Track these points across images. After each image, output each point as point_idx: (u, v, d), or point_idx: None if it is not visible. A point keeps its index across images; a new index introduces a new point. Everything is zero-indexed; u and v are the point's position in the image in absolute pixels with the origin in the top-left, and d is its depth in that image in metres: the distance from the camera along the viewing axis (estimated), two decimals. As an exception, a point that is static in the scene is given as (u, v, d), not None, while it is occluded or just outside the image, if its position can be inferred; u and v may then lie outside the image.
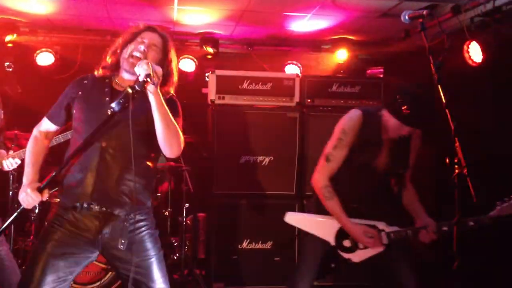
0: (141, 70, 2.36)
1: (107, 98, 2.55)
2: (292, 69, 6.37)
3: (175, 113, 2.57)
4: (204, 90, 5.24)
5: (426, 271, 4.84)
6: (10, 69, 5.90)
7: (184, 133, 5.53)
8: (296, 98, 4.94)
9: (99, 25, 5.78)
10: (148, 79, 2.33)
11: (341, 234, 3.09)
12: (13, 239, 4.69)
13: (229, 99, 4.87)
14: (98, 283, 4.33)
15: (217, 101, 4.85)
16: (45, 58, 5.91)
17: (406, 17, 2.59)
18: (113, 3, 5.01)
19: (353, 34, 5.90)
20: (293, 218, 3.27)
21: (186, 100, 6.25)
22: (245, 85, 4.90)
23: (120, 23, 5.67)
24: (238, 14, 5.26)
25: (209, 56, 6.03)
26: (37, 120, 2.78)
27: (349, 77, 5.24)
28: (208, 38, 5.97)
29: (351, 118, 3.07)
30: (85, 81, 2.68)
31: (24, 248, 4.83)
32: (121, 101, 2.34)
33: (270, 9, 5.09)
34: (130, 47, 2.61)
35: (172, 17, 5.41)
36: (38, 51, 5.87)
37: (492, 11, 4.38)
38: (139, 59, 2.52)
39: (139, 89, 2.34)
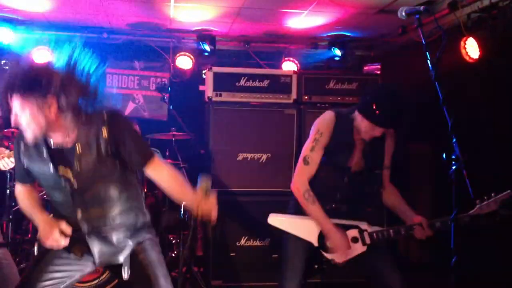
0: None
1: (50, 164, 2.38)
2: (289, 66, 6.37)
3: (131, 135, 2.42)
4: (201, 88, 5.24)
5: (420, 270, 4.86)
6: (7, 67, 5.89)
7: (181, 130, 5.56)
8: (293, 95, 4.94)
9: (95, 22, 5.77)
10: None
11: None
12: (10, 237, 4.69)
13: (226, 96, 4.86)
14: (96, 281, 4.33)
15: (214, 98, 4.84)
16: (41, 56, 5.88)
17: (403, 13, 2.59)
18: (109, 0, 4.99)
19: (350, 30, 5.90)
20: (276, 220, 3.24)
21: (183, 97, 6.29)
22: (242, 82, 4.89)
23: (116, 20, 5.66)
24: (235, 11, 5.25)
25: (206, 53, 6.03)
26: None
27: (346, 74, 5.23)
28: (205, 35, 5.97)
29: (324, 118, 3.11)
30: (23, 147, 2.45)
31: (22, 246, 4.82)
32: None
33: (267, 6, 5.09)
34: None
35: (169, 14, 5.40)
36: (34, 49, 5.85)
37: (488, 7, 4.39)
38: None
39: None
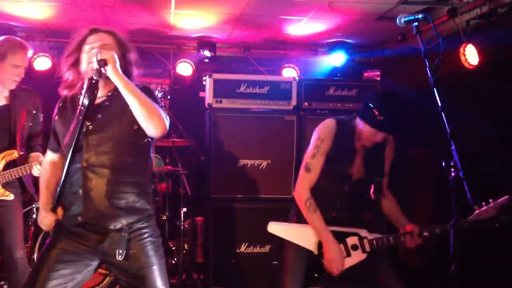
0: (93, 60, 2.42)
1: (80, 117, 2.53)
2: (289, 72, 6.38)
3: (151, 98, 2.57)
4: (201, 94, 5.25)
5: (416, 276, 4.85)
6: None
7: (181, 136, 5.56)
8: (293, 102, 4.95)
9: (96, 30, 5.77)
10: (102, 63, 2.41)
11: None
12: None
13: (226, 103, 4.87)
14: (96, 288, 4.33)
15: (215, 105, 4.85)
16: (42, 63, 5.91)
17: (402, 21, 2.59)
18: (109, 7, 5.01)
19: (349, 37, 5.91)
20: (276, 228, 3.24)
21: (184, 104, 6.29)
22: (242, 89, 4.90)
23: (117, 27, 5.66)
24: (235, 18, 5.26)
25: (206, 60, 6.04)
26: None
27: (346, 80, 5.24)
28: (205, 42, 5.98)
29: (326, 125, 3.12)
30: (61, 104, 2.70)
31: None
32: (86, 94, 2.41)
33: (267, 13, 5.10)
34: (83, 58, 2.58)
35: (169, 21, 5.42)
36: (35, 56, 5.87)
37: (488, 14, 4.39)
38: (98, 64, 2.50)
39: (98, 76, 2.43)
